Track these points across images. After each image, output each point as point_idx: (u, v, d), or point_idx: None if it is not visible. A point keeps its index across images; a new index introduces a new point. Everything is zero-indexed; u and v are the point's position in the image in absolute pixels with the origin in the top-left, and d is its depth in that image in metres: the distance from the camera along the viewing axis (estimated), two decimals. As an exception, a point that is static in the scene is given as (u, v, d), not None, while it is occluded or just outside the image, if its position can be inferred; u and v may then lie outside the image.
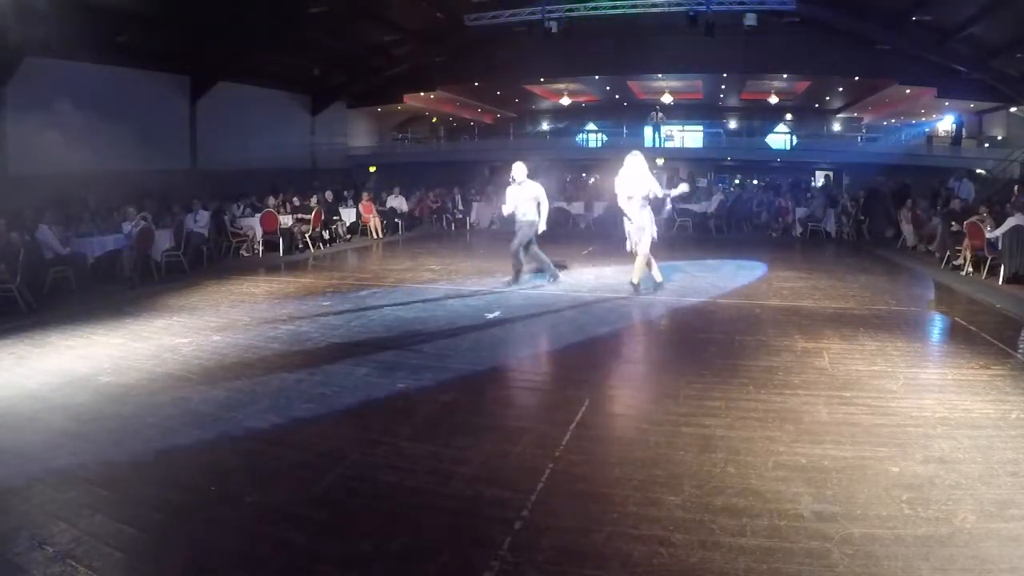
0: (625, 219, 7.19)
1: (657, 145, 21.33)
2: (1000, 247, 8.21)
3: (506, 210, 7.68)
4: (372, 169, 22.65)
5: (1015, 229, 8.04)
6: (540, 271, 8.02)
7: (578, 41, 16.07)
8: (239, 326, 5.97)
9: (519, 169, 7.57)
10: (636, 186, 6.99)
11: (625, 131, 23.84)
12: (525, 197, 7.50)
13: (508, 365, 4.99)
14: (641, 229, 7.07)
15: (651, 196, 7.12)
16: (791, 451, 3.26)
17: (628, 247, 7.25)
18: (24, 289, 6.87)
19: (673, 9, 14.20)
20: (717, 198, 15.08)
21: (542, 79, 21.65)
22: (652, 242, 7.17)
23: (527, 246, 7.66)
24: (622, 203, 7.14)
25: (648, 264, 7.31)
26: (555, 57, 17.78)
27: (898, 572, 2.29)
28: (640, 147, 21.94)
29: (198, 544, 2.58)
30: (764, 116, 25.21)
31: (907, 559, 2.35)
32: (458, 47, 18.94)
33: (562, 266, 8.70)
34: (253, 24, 13.78)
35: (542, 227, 7.58)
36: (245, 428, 3.67)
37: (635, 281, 7.26)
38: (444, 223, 16.21)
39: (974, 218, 8.91)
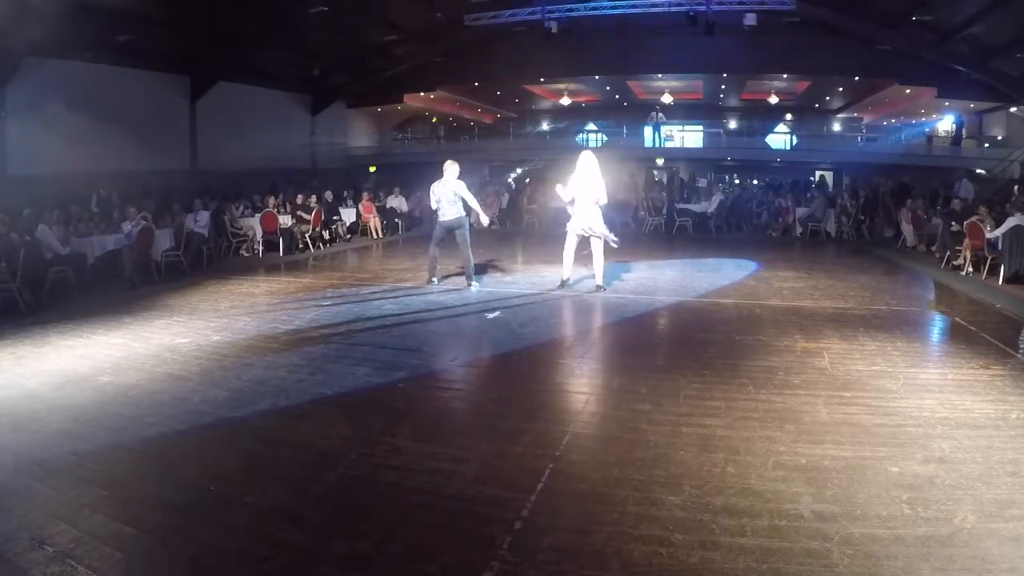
0: (584, 223, 7.20)
1: (657, 145, 21.33)
2: (1000, 247, 8.21)
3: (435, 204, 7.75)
4: (372, 169, 22.64)
5: (1015, 229, 8.04)
6: (432, 271, 7.98)
7: (578, 41, 16.07)
8: (239, 326, 5.97)
9: (452, 167, 7.66)
10: (598, 189, 7.13)
11: (625, 131, 23.84)
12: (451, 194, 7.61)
13: (508, 365, 4.99)
14: (601, 229, 7.25)
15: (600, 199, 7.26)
16: (791, 451, 3.25)
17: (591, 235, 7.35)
18: (24, 289, 6.87)
19: (673, 9, 14.21)
20: (717, 198, 15.06)
21: (542, 79, 21.65)
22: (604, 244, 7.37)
23: (438, 244, 7.83)
24: (586, 206, 7.17)
25: (566, 260, 7.48)
26: (555, 57, 17.79)
27: (898, 572, 2.29)
28: (640, 147, 21.89)
29: (198, 544, 2.58)
30: (764, 116, 25.21)
31: (907, 559, 2.35)
32: (458, 47, 18.94)
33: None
34: (253, 24, 13.79)
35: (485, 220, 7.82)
36: (245, 428, 3.67)
37: (600, 283, 7.43)
38: (444, 223, 16.16)
39: (974, 218, 8.91)
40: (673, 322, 6.39)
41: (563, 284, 7.56)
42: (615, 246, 7.52)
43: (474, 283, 7.72)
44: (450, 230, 7.71)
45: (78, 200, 10.52)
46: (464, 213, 7.68)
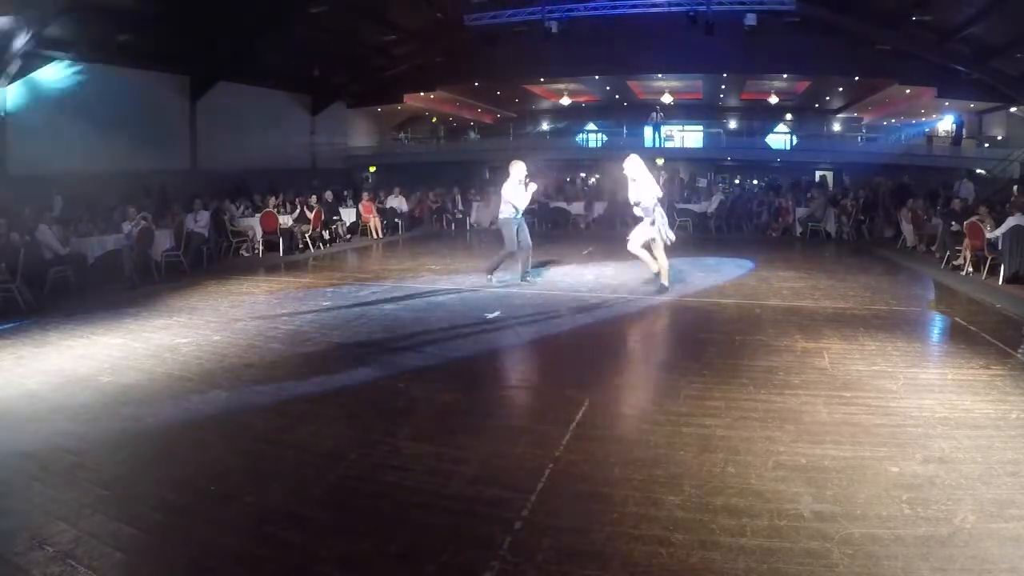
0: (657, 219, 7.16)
1: (657, 145, 21.33)
2: (1000, 247, 8.21)
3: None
4: (372, 169, 22.65)
5: (1015, 229, 8.04)
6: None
7: (578, 41, 16.06)
8: (239, 326, 5.97)
9: (516, 167, 7.71)
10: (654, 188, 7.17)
11: (625, 131, 23.85)
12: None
13: (508, 365, 4.99)
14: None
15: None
16: (791, 451, 3.26)
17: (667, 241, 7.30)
18: (24, 289, 6.88)
19: (673, 9, 14.21)
20: (717, 198, 15.07)
21: (542, 79, 21.66)
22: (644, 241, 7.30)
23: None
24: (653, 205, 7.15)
25: (653, 259, 7.36)
26: (555, 57, 17.77)
27: (898, 572, 2.29)
28: (640, 147, 21.97)
29: (198, 544, 2.58)
30: (764, 116, 25.22)
31: (907, 559, 2.36)
32: (458, 47, 18.94)
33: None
34: (253, 24, 13.79)
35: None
36: (245, 428, 3.68)
37: (665, 282, 7.34)
38: (444, 223, 16.21)
39: (974, 218, 8.91)
40: (673, 322, 6.39)
41: (662, 287, 7.34)
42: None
43: (492, 277, 7.85)
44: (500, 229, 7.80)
45: (79, 200, 10.52)
46: (508, 215, 7.65)
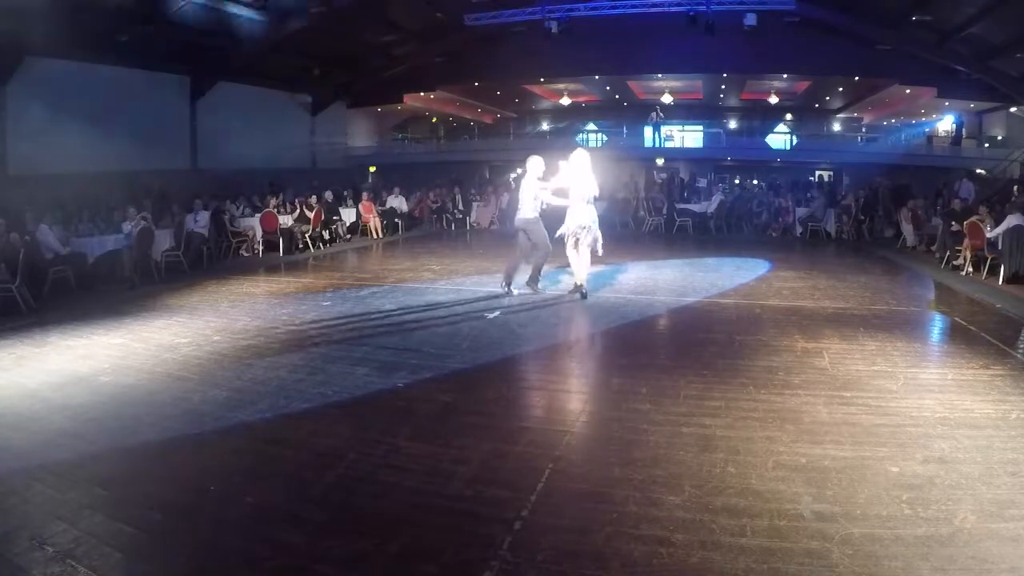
0: (579, 222, 6.81)
1: (657, 145, 21.33)
2: (1000, 247, 8.22)
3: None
4: (372, 169, 22.63)
5: (1015, 229, 8.04)
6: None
7: (578, 41, 16.04)
8: (239, 326, 5.97)
9: (532, 162, 7.10)
10: (592, 186, 6.83)
11: (625, 131, 23.83)
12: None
13: (508, 365, 4.99)
14: (588, 228, 6.82)
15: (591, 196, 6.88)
16: (791, 451, 3.26)
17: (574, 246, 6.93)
18: (24, 289, 6.87)
19: (673, 9, 14.21)
20: (717, 198, 15.07)
21: (542, 79, 21.64)
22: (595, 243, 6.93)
23: (520, 248, 7.30)
24: (580, 205, 6.80)
25: (578, 264, 6.99)
26: (555, 57, 17.76)
27: (898, 572, 2.29)
28: (640, 147, 21.85)
29: (198, 544, 2.58)
30: (764, 116, 25.18)
31: (907, 559, 2.35)
32: (458, 47, 18.93)
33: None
34: (253, 24, 13.78)
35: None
36: (245, 428, 3.67)
37: (580, 282, 6.99)
38: (444, 223, 16.21)
39: (974, 218, 8.92)
40: (673, 322, 6.39)
41: (579, 290, 7.00)
42: (599, 254, 7.09)
43: (540, 285, 7.30)
44: (519, 231, 7.16)
45: (79, 200, 10.51)
46: (532, 215, 7.00)
